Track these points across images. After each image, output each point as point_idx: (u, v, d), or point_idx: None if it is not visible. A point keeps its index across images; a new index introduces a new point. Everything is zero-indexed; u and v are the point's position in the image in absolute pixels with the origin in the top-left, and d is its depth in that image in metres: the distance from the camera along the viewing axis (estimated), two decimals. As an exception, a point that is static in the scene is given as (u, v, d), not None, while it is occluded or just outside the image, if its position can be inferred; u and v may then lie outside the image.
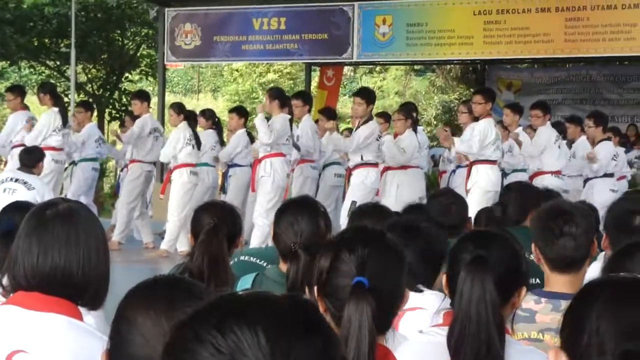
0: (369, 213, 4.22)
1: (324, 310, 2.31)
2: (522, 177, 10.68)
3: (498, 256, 2.62)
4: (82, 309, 2.41)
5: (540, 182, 10.14)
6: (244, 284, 3.55)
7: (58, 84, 20.48)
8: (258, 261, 4.18)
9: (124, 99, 19.97)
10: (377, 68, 26.66)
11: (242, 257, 4.14)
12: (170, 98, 21.99)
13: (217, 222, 3.76)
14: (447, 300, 2.77)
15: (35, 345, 2.28)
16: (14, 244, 2.45)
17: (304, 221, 3.50)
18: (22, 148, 10.10)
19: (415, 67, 24.14)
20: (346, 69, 21.82)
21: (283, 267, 3.50)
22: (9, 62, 21.04)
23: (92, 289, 2.41)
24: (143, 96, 11.89)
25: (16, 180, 9.26)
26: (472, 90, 20.82)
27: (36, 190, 8.78)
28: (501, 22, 13.02)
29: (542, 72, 17.56)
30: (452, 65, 21.54)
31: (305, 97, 11.75)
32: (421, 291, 3.28)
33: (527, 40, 12.90)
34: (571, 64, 17.60)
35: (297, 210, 3.57)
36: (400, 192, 10.27)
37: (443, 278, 2.82)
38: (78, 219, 2.45)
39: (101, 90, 19.69)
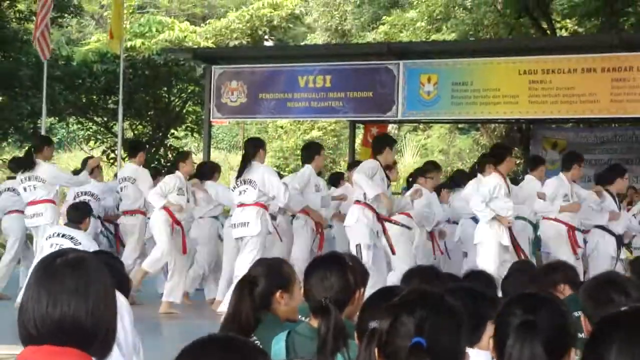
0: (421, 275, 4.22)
1: None
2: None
3: (546, 319, 2.62)
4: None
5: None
6: (277, 342, 3.56)
7: (105, 140, 20.81)
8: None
9: (169, 155, 20.14)
10: (422, 126, 26.70)
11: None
12: (215, 154, 22.16)
13: (243, 279, 3.90)
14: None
15: None
16: (23, 294, 2.49)
17: (333, 276, 3.59)
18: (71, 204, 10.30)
19: (460, 125, 24.15)
20: (390, 126, 21.84)
21: (314, 322, 3.56)
22: (57, 118, 21.34)
23: (101, 337, 2.45)
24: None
25: (63, 236, 9.42)
26: (517, 149, 20.81)
27: (82, 245, 8.88)
28: (546, 82, 12.97)
29: (587, 132, 17.46)
30: (496, 124, 21.49)
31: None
32: None
33: (572, 100, 12.85)
34: (617, 124, 17.48)
35: (326, 266, 3.66)
36: None
37: (490, 341, 2.80)
38: (86, 268, 2.49)
39: (147, 146, 19.89)
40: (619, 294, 3.41)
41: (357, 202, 10.28)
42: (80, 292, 2.41)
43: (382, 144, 10.71)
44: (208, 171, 12.13)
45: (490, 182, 9.79)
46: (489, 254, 9.62)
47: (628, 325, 1.63)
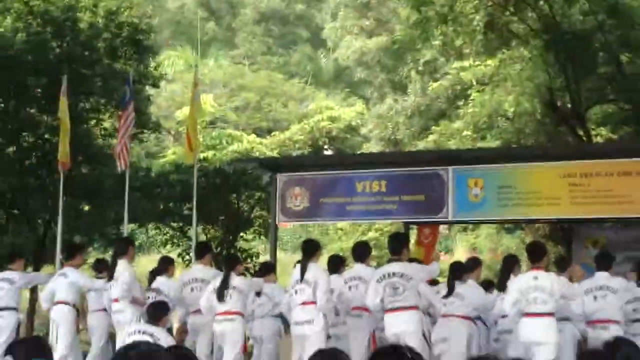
0: None
1: None
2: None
3: None
4: None
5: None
6: None
7: (180, 243, 21.98)
8: None
9: (240, 257, 21.11)
10: (471, 226, 27.61)
11: None
12: (280, 255, 23.15)
13: None
14: None
15: None
16: None
17: None
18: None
19: (506, 225, 24.89)
20: (442, 227, 22.73)
21: None
22: (137, 224, 22.57)
23: None
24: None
25: (143, 333, 9.53)
26: (560, 247, 21.53)
27: (161, 341, 9.03)
28: (585, 185, 13.59)
29: (626, 231, 17.78)
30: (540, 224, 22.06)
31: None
32: None
33: (610, 201, 13.42)
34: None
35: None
36: None
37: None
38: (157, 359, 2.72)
39: (219, 248, 20.97)
40: None
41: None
42: None
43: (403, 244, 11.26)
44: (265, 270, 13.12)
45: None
46: None
47: None
